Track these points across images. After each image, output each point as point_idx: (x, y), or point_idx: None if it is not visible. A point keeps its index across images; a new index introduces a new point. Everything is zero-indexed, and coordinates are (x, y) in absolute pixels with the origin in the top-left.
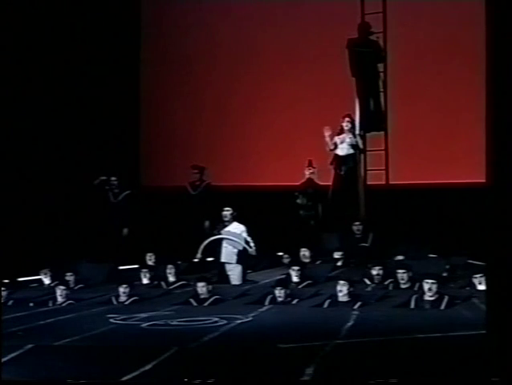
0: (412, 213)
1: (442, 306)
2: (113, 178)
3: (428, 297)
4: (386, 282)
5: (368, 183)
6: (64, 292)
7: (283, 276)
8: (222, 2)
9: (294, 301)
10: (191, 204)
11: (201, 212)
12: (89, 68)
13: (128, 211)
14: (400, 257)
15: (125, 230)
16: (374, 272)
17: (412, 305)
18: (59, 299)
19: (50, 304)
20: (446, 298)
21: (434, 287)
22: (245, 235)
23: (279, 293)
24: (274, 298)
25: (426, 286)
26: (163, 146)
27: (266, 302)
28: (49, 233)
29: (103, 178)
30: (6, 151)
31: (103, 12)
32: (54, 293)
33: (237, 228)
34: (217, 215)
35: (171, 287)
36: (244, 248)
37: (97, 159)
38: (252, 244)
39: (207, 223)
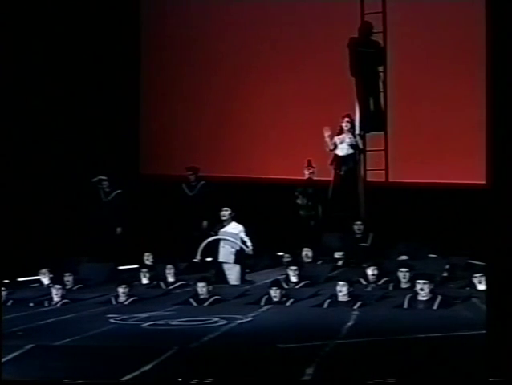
0: (412, 213)
1: (435, 306)
2: (104, 177)
3: (421, 297)
4: (380, 282)
5: (369, 180)
6: (60, 291)
7: (283, 276)
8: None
9: (289, 302)
10: (188, 204)
11: (198, 212)
12: (91, 59)
13: (119, 210)
14: (404, 257)
15: (119, 229)
16: (369, 272)
17: (406, 305)
18: (55, 299)
19: (46, 304)
20: (439, 298)
21: (426, 287)
22: (242, 235)
23: (275, 293)
24: (269, 298)
25: (418, 286)
26: (163, 135)
27: (262, 302)
28: (48, 233)
29: (102, 177)
30: (5, 150)
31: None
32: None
33: (235, 228)
34: (214, 215)
35: (170, 287)
36: (241, 247)
37: (97, 152)
38: (249, 243)
39: (205, 223)
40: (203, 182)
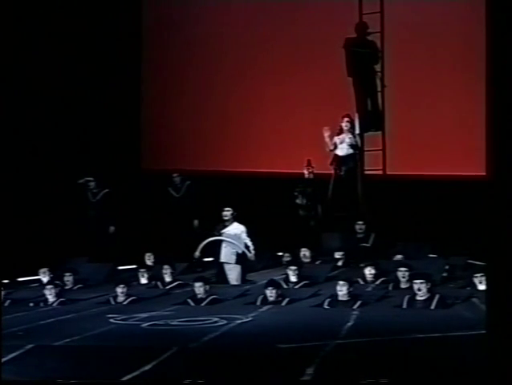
0: (411, 209)
1: (432, 306)
2: (90, 178)
3: (419, 297)
4: (378, 282)
5: (367, 174)
6: (53, 290)
7: (283, 276)
8: (223, 0)
9: (284, 302)
10: (176, 206)
11: (187, 212)
12: (92, 54)
13: (109, 209)
14: (398, 257)
15: (112, 228)
16: (366, 271)
17: (405, 305)
18: (50, 299)
19: (42, 304)
20: (437, 297)
21: (423, 287)
22: (244, 236)
23: (270, 293)
24: (265, 298)
25: (415, 286)
26: (164, 129)
27: (258, 302)
28: (48, 233)
29: (88, 178)
30: (4, 150)
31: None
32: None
33: (237, 228)
34: (204, 213)
35: (167, 287)
36: (243, 251)
37: (98, 148)
38: (252, 248)
39: (196, 222)
40: (188, 182)
